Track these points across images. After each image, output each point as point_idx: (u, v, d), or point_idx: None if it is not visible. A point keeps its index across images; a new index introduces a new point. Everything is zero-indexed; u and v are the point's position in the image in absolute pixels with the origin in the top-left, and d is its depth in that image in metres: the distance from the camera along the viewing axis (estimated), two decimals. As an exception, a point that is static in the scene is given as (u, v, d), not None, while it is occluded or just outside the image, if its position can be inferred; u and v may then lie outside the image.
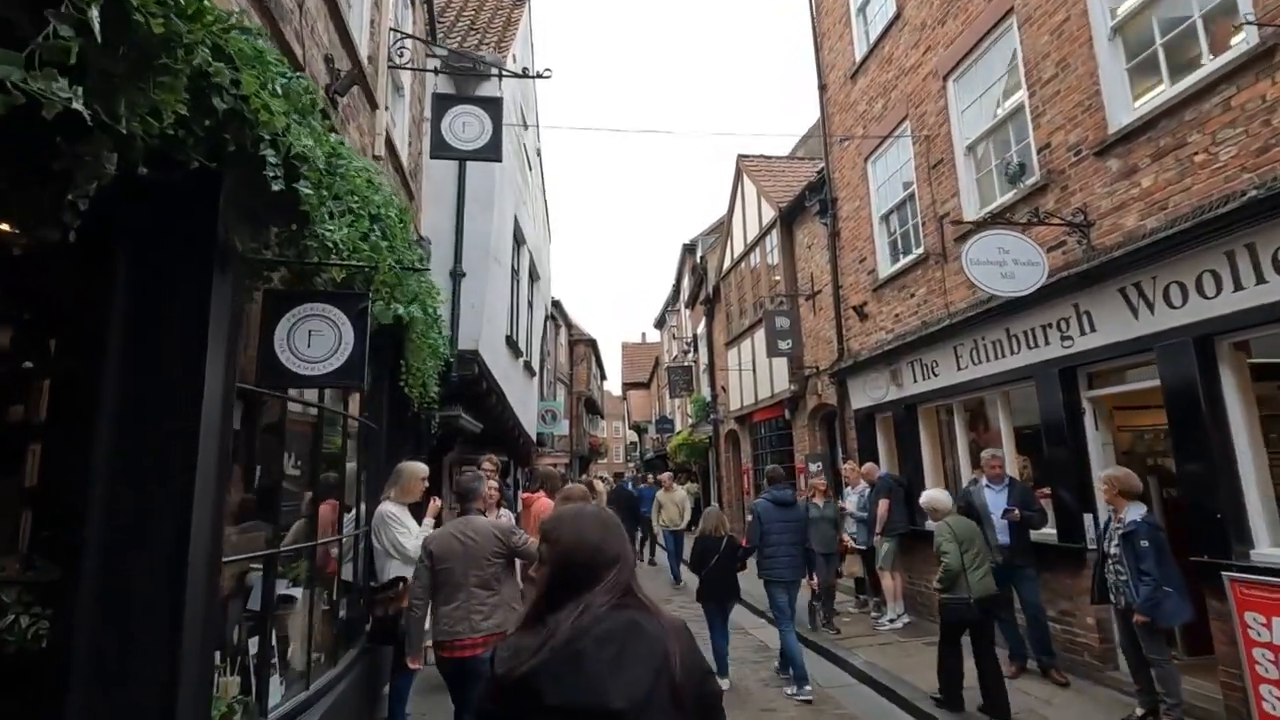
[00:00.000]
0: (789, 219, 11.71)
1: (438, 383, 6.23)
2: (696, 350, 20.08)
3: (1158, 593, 4.15)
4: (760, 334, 12.74)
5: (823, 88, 10.52)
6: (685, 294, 21.87)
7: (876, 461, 8.80)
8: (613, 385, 54.36)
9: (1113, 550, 4.49)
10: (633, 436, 42.59)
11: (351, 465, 4.99)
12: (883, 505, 7.79)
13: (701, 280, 17.73)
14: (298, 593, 3.99)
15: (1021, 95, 6.27)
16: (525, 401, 11.13)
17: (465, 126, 5.28)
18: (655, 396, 32.82)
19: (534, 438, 12.50)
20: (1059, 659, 5.57)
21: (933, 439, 8.12)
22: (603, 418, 42.22)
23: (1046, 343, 5.83)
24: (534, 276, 11.54)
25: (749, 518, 6.40)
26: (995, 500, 5.70)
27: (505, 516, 5.16)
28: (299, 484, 4.21)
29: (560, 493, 5.21)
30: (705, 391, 17.70)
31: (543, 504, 5.69)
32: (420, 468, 4.71)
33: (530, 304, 11.42)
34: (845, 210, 9.80)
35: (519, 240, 9.92)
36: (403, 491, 4.61)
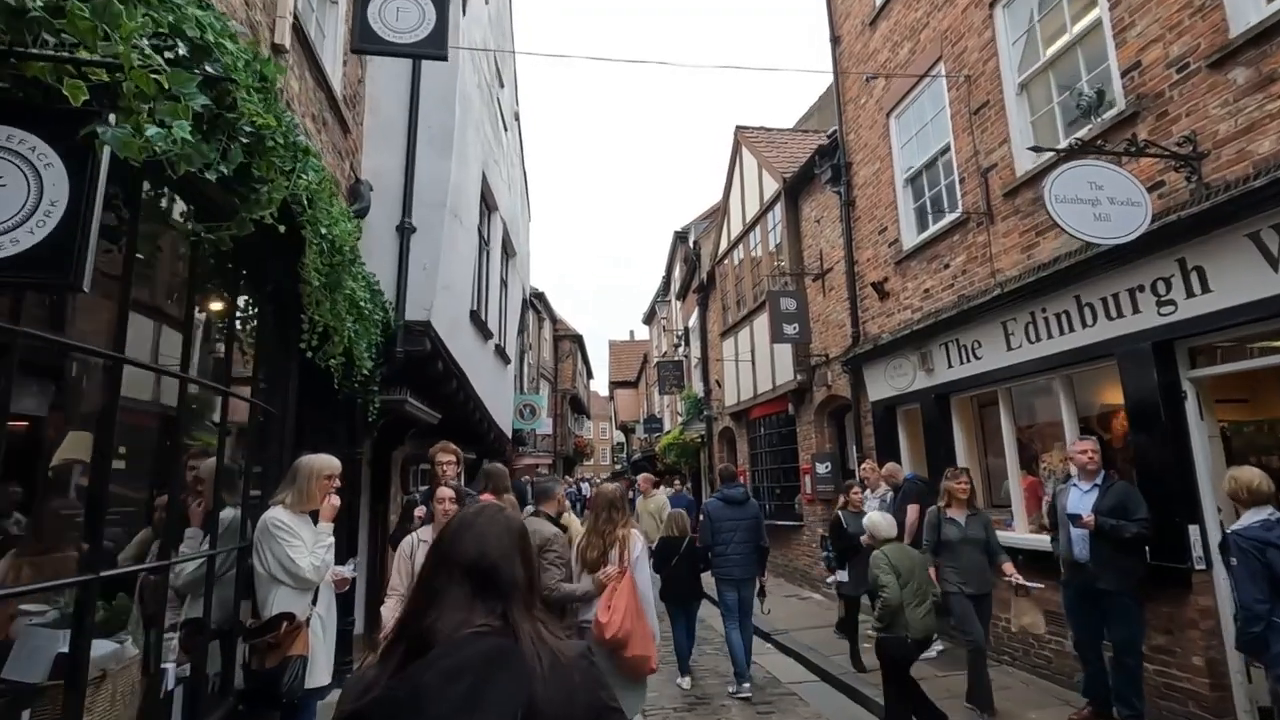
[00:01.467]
0: (794, 191, 10.53)
1: (375, 357, 4.96)
2: (688, 344, 18.88)
3: (1258, 627, 3.14)
4: (761, 320, 11.56)
5: (835, 40, 9.36)
6: (676, 285, 20.67)
7: (897, 461, 7.64)
8: (600, 386, 53.12)
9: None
10: (620, 437, 41.34)
11: (238, 462, 3.72)
12: (911, 512, 6.60)
13: (694, 268, 16.53)
14: (125, 646, 2.72)
15: (1099, 10, 5.11)
16: (498, 392, 9.86)
17: (400, 14, 4.03)
18: (643, 395, 31.60)
19: (508, 433, 11.22)
20: (1148, 708, 4.39)
21: (968, 434, 6.96)
22: (589, 418, 40.93)
23: (1135, 310, 4.66)
24: (509, 252, 10.29)
25: (701, 518, 6.42)
26: (1078, 502, 4.51)
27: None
28: (137, 487, 2.95)
29: (595, 492, 4.37)
30: (698, 387, 16.50)
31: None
32: (325, 463, 3.44)
33: (504, 282, 10.16)
34: (862, 175, 8.63)
35: (489, 205, 8.66)
36: (300, 495, 3.34)
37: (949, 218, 6.89)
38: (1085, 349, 5.13)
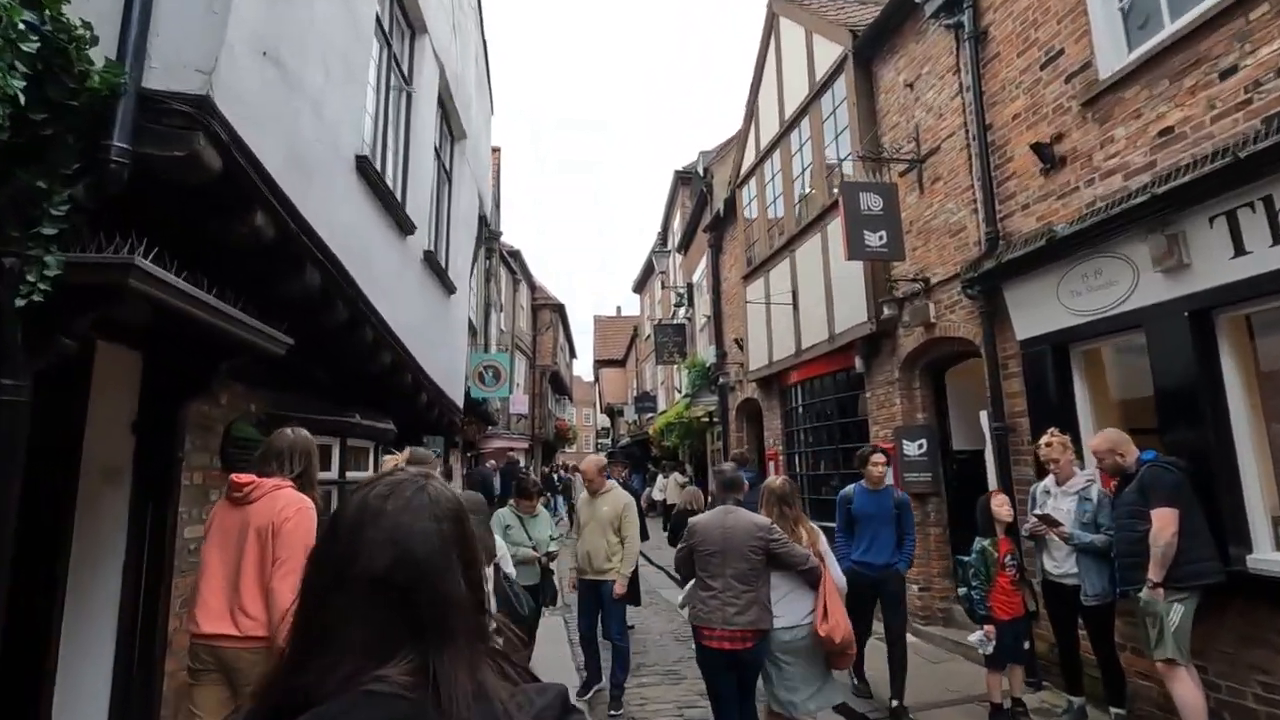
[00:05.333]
0: (866, 54, 7.36)
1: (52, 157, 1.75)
2: (691, 304, 15.71)
3: None
4: (806, 248, 8.40)
5: None
6: (676, 236, 17.45)
7: (1071, 431, 4.55)
8: (584, 370, 49.79)
9: None
10: (605, 421, 38.17)
11: None
12: (1168, 520, 3.54)
13: (704, 203, 13.33)
14: None
15: None
16: (436, 335, 6.63)
17: None
18: (633, 374, 28.43)
19: (456, 400, 7.99)
20: None
21: (1248, 380, 3.87)
22: (571, 400, 37.69)
23: None
24: (451, 126, 6.98)
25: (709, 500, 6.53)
26: None
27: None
28: None
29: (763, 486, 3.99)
30: (707, 352, 13.33)
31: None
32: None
33: (444, 167, 6.89)
34: (1006, -17, 5.46)
35: (406, 11, 5.39)
36: None
37: (1230, -14, 3.75)
38: None
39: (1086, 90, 4.68)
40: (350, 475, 5.62)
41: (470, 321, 11.48)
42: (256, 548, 2.65)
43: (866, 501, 5.03)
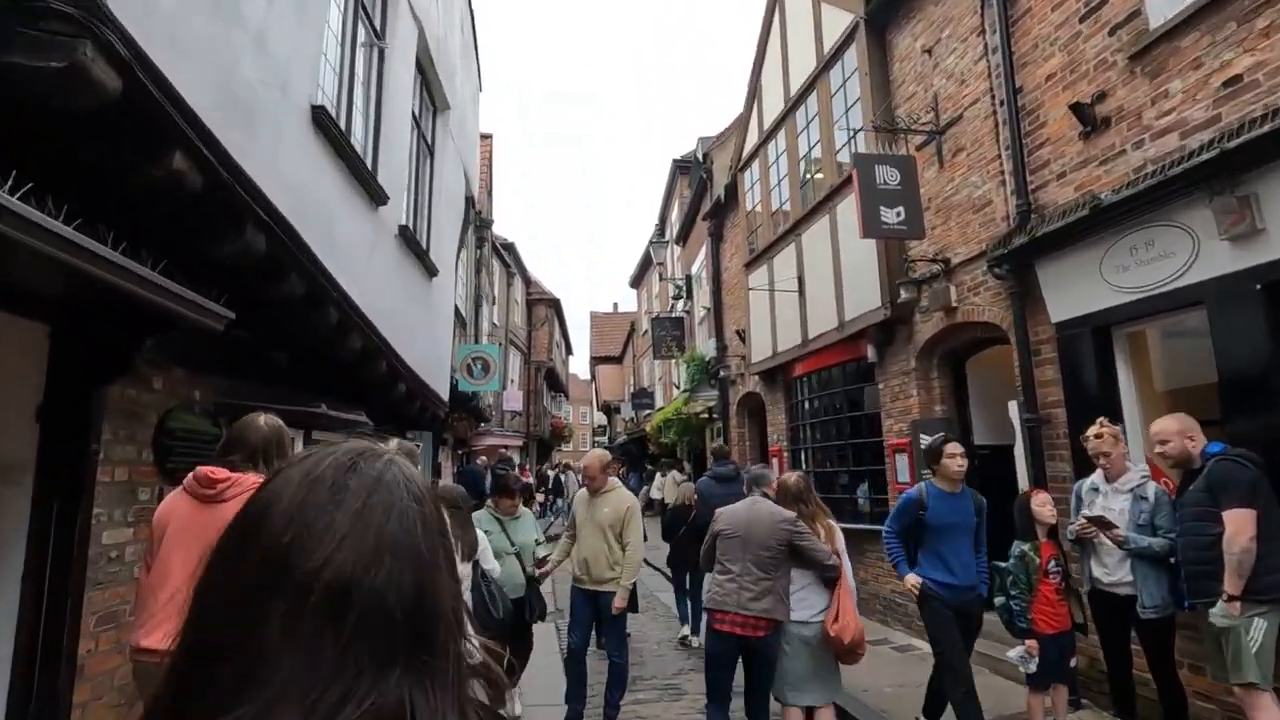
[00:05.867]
0: (879, 21, 6.87)
1: None
2: (690, 296, 15.22)
3: None
4: (814, 231, 7.92)
5: None
6: (675, 228, 16.95)
7: (1116, 418, 4.05)
8: (580, 369, 49.26)
9: None
10: (602, 419, 37.69)
11: None
12: (1243, 522, 3.06)
13: (704, 190, 12.84)
14: None
15: None
16: (416, 321, 6.14)
17: None
18: (630, 370, 27.94)
19: (441, 393, 7.49)
20: None
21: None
22: (567, 398, 37.18)
23: None
24: (432, 93, 6.46)
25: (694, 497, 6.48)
26: None
27: None
28: None
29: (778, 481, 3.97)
30: (706, 345, 12.85)
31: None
32: None
33: (428, 143, 6.38)
34: (1039, -69, 4.97)
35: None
36: None
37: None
38: None
39: (1135, 41, 4.19)
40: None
41: (459, 311, 10.98)
42: None
43: (944, 507, 3.95)
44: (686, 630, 6.66)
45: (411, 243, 5.60)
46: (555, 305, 27.22)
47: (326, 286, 3.87)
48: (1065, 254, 4.62)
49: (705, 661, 3.76)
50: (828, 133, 7.65)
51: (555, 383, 29.80)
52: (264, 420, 2.62)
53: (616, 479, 4.80)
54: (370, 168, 4.64)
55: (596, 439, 41.21)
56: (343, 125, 4.08)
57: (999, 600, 4.02)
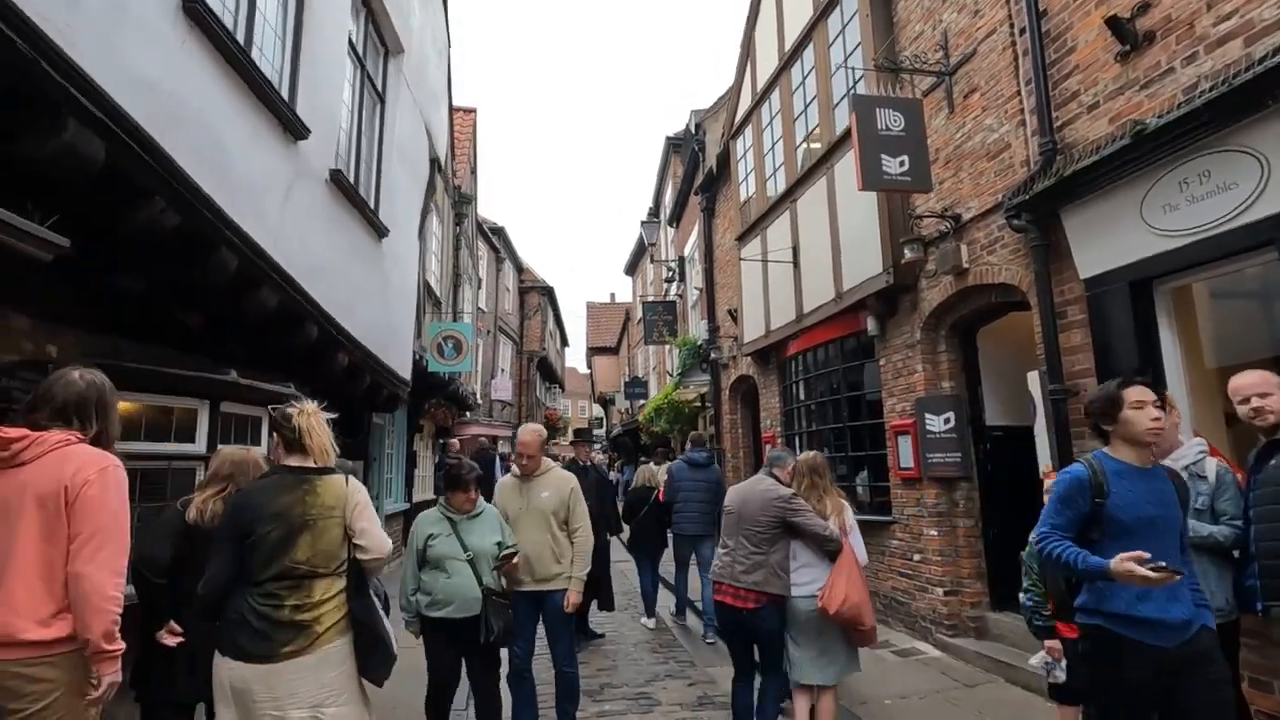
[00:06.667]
0: (883, -44, 6.17)
1: None
2: (683, 279, 14.56)
3: None
4: (810, 195, 7.26)
5: None
6: (668, 209, 16.27)
7: (1159, 381, 3.36)
8: (577, 362, 48.53)
9: None
10: (599, 411, 37.07)
11: None
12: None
13: (697, 164, 12.14)
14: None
15: None
16: (361, 285, 5.48)
17: None
18: (625, 361, 27.28)
19: (402, 372, 6.83)
20: None
21: None
22: (563, 389, 36.54)
23: None
24: (382, 31, 5.77)
25: (664, 477, 6.67)
26: None
27: None
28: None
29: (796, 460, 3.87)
30: (699, 329, 12.18)
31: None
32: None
33: (377, 88, 5.69)
34: None
35: None
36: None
37: None
38: None
39: (1188, -63, 3.50)
40: (224, 449, 4.50)
41: (431, 289, 10.31)
42: (38, 522, 1.92)
43: (1135, 491, 2.33)
44: (652, 622, 6.65)
45: (349, 192, 4.94)
46: (549, 293, 26.54)
47: (215, 222, 3.22)
48: (1098, 197, 3.95)
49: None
50: (825, 86, 6.96)
51: (549, 373, 29.17)
52: (79, 375, 2.15)
53: (550, 459, 4.14)
54: (286, 95, 3.98)
55: (594, 432, 40.56)
56: (234, 28, 3.41)
57: (1022, 597, 3.37)
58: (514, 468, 4.09)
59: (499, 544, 3.46)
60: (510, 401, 21.63)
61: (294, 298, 4.14)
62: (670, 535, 6.51)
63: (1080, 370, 4.19)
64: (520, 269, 24.90)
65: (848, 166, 6.18)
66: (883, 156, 5.11)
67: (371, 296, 5.72)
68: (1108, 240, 3.95)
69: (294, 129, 4.01)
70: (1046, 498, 3.19)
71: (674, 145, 15.47)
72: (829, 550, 3.48)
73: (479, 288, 16.92)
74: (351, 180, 5.19)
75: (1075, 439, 4.16)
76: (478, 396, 16.24)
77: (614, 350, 31.58)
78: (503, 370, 21.33)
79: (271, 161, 3.86)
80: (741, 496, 3.69)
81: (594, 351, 34.39)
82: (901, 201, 5.79)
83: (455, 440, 11.40)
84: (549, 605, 3.69)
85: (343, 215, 4.94)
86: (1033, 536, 2.58)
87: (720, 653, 5.79)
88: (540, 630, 3.80)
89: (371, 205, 5.56)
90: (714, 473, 6.50)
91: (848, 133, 6.03)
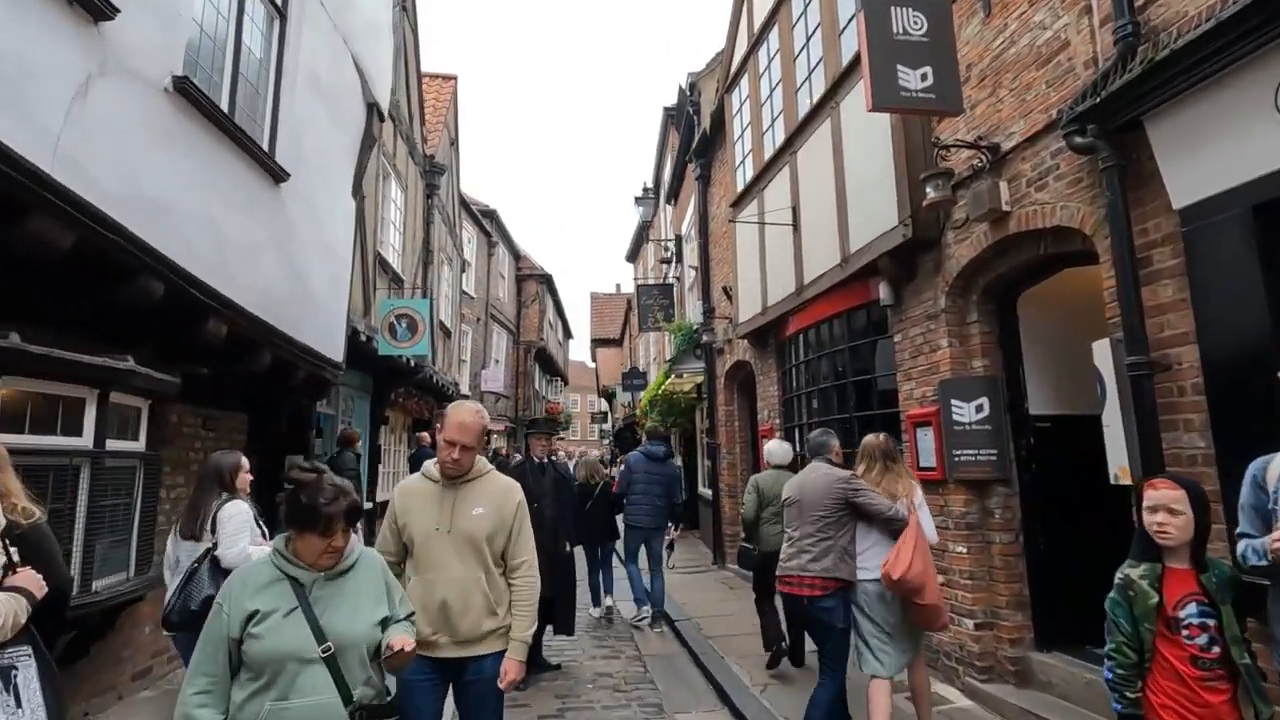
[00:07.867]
0: None
1: None
2: (680, 260, 13.43)
3: None
4: (813, 144, 6.14)
5: None
6: (667, 186, 15.14)
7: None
8: (582, 354, 47.44)
9: None
10: (604, 405, 36.04)
11: None
12: None
13: (692, 128, 10.99)
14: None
15: None
16: (247, 239, 4.43)
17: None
18: (629, 352, 26.20)
19: (330, 353, 5.79)
20: None
21: None
22: (566, 382, 35.53)
23: None
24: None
25: (621, 467, 6.87)
26: None
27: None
28: None
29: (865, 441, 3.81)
30: (696, 311, 11.07)
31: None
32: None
33: (275, 2, 4.65)
34: None
35: None
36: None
37: None
38: None
39: None
40: (112, 445, 3.64)
41: (386, 263, 9.28)
42: None
43: None
44: (599, 611, 6.64)
45: (212, 113, 3.87)
46: (547, 281, 25.49)
47: None
48: (1206, 90, 2.79)
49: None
50: (830, 7, 5.80)
51: (550, 365, 28.17)
52: None
53: (485, 460, 2.96)
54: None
55: (600, 427, 39.33)
56: None
57: (1107, 665, 2.26)
58: (428, 465, 2.90)
59: (384, 621, 1.97)
60: (505, 394, 20.64)
61: (101, 234, 3.09)
62: (622, 526, 6.48)
63: (1173, 336, 3.04)
64: (517, 255, 23.85)
65: (856, 100, 5.04)
66: (899, 68, 3.97)
67: (264, 254, 4.67)
68: (1218, 152, 2.79)
69: (91, 6, 2.95)
70: (1139, 512, 2.11)
71: (671, 116, 14.32)
72: (894, 530, 3.41)
73: (463, 270, 15.89)
74: (226, 104, 4.13)
75: (1166, 430, 3.02)
76: (462, 387, 15.23)
77: (618, 342, 30.51)
78: (496, 361, 20.33)
79: (51, 45, 2.80)
80: (800, 484, 3.67)
81: (598, 343, 33.33)
82: (923, 132, 4.63)
83: (425, 435, 10.36)
84: (474, 677, 2.46)
85: (203, 141, 3.88)
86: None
87: (695, 692, 4.75)
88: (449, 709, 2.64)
89: (261, 140, 4.50)
90: (672, 467, 6.55)
91: (856, 60, 4.91)
